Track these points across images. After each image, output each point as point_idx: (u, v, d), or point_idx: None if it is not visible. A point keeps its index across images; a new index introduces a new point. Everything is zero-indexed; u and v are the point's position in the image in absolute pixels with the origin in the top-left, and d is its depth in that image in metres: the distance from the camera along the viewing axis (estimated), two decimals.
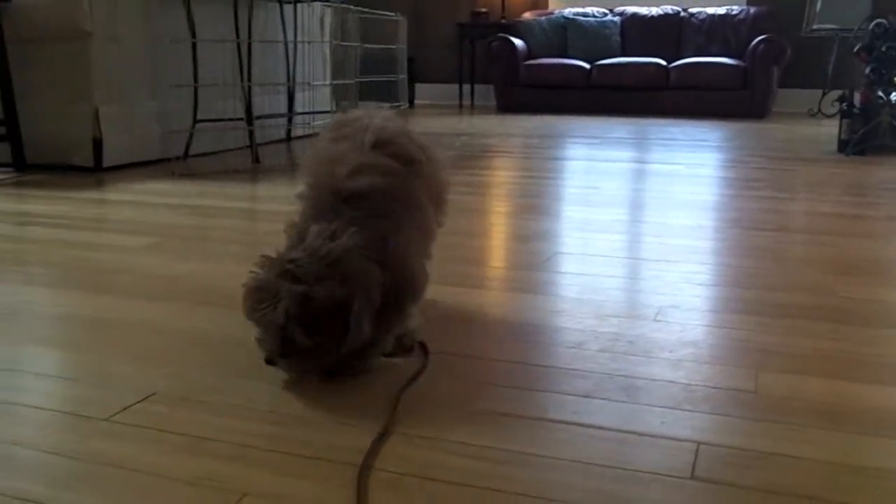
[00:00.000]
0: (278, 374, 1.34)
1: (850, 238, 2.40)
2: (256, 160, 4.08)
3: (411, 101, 8.79)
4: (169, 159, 4.11)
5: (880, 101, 4.52)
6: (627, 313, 1.68)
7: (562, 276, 1.98)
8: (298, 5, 4.94)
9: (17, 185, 3.42)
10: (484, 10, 8.93)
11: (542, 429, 1.15)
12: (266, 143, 4.76)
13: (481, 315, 1.68)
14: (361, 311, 1.23)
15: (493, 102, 8.96)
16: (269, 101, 4.91)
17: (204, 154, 4.34)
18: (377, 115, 1.52)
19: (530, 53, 8.25)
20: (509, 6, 8.97)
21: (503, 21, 8.77)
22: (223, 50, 4.35)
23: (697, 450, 1.09)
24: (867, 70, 4.61)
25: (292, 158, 4.29)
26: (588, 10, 8.37)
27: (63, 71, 3.78)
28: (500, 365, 1.40)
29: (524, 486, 1.00)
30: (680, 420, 1.18)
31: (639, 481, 1.01)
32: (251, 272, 1.29)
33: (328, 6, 5.20)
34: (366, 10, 5.04)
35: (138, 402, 1.25)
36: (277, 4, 4.79)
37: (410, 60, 8.36)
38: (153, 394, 1.28)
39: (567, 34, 8.23)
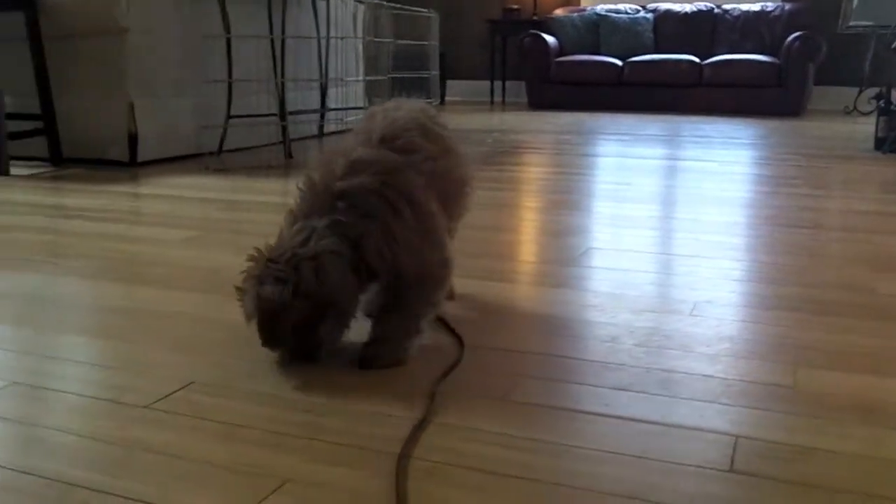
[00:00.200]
0: (314, 366, 1.35)
1: (888, 235, 2.38)
2: (289, 155, 4.10)
3: (442, 98, 8.80)
4: (203, 154, 4.14)
5: None
6: (663, 308, 1.67)
7: (595, 270, 1.98)
8: (331, 1, 4.95)
9: (54, 178, 3.46)
10: (516, 6, 8.92)
11: (580, 420, 1.15)
12: (298, 139, 4.78)
13: (515, 309, 1.68)
14: (318, 317, 1.31)
15: (524, 99, 8.94)
16: (301, 97, 4.93)
17: (237, 149, 4.36)
18: (403, 107, 1.52)
19: (562, 50, 8.23)
20: (541, 3, 8.95)
21: (535, 18, 8.75)
22: (257, 46, 4.37)
23: (736, 443, 1.09)
24: None
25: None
26: (620, 6, 8.34)
27: (99, 66, 3.82)
28: (536, 357, 1.40)
29: (562, 476, 1.00)
30: (718, 414, 1.18)
31: (678, 473, 1.01)
32: (246, 263, 1.36)
33: (361, 2, 5.21)
34: (399, 6, 5.05)
35: (177, 390, 1.26)
36: (310, 1, 4.81)
37: (442, 57, 8.35)
38: (192, 382, 1.29)
39: (599, 31, 8.20)
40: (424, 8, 5.45)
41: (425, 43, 5.34)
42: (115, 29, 3.72)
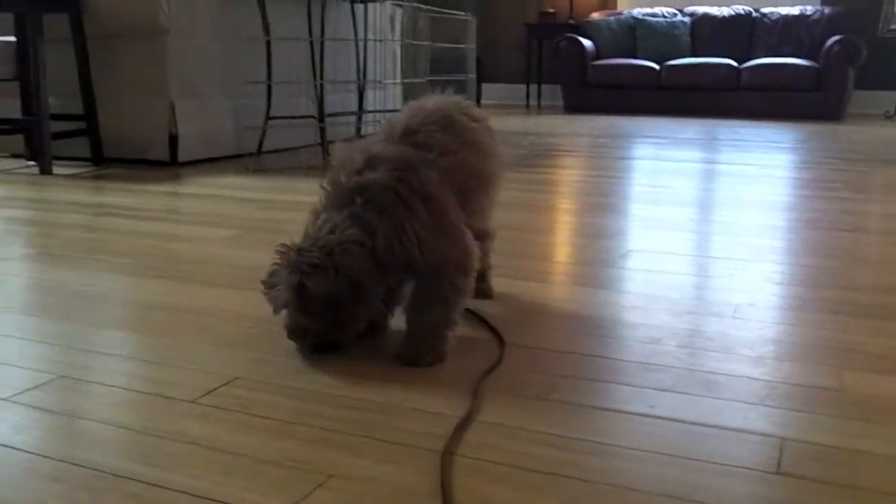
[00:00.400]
0: (355, 362, 1.36)
1: None
2: (327, 157, 4.12)
3: (478, 101, 8.80)
4: (242, 155, 4.17)
5: None
6: (704, 310, 1.67)
7: (635, 272, 1.97)
8: (369, 4, 4.97)
9: (96, 178, 3.50)
10: (552, 10, 8.91)
11: (623, 421, 1.15)
12: (336, 141, 4.80)
13: (555, 309, 1.68)
14: (352, 300, 1.35)
15: (560, 103, 8.93)
16: (339, 99, 4.95)
17: (276, 150, 4.39)
18: (434, 99, 1.53)
19: (598, 54, 8.21)
20: (577, 7, 8.94)
21: (571, 21, 8.74)
22: (297, 48, 4.40)
23: (782, 445, 1.08)
24: None
25: None
26: (657, 10, 8.30)
27: (140, 67, 3.86)
28: (577, 358, 1.40)
29: (607, 475, 1.00)
30: (763, 416, 1.17)
31: (725, 474, 1.00)
32: (273, 259, 1.40)
33: (399, 5, 5.23)
34: (437, 9, 5.06)
35: (222, 385, 1.27)
36: (349, 3, 4.83)
37: (478, 61, 8.36)
38: (236, 378, 1.30)
39: (636, 34, 8.17)
40: (462, 11, 5.46)
41: (462, 46, 5.34)
42: (157, 30, 3.76)
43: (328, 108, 4.59)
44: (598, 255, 2.14)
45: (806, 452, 1.06)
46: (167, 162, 3.88)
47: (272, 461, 1.03)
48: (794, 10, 7.81)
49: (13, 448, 1.06)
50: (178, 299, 1.73)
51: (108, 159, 3.96)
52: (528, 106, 8.95)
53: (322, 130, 4.12)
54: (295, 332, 1.41)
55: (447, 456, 1.03)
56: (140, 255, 2.11)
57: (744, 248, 2.23)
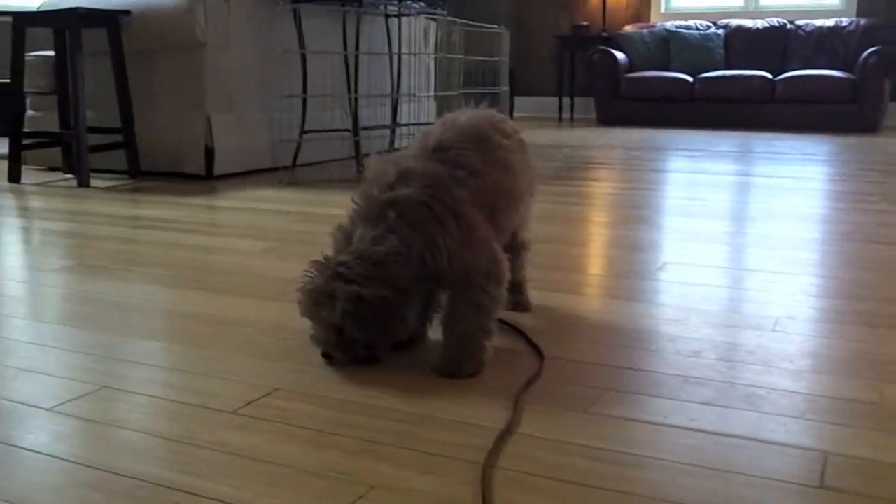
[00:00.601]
0: (394, 373, 1.36)
1: None
2: (361, 170, 4.14)
3: (511, 114, 8.80)
4: (277, 168, 4.20)
5: None
6: (744, 323, 1.66)
7: (671, 285, 1.96)
8: (404, 19, 5.00)
9: (133, 190, 3.54)
10: (585, 23, 8.90)
11: (665, 433, 1.15)
12: (370, 154, 4.82)
13: (593, 322, 1.67)
14: (403, 308, 1.37)
15: (593, 115, 8.91)
16: (373, 113, 4.98)
17: (310, 164, 4.42)
18: (468, 114, 1.54)
19: (632, 66, 8.19)
20: (610, 19, 8.93)
21: (604, 34, 8.72)
22: (331, 62, 4.43)
23: (825, 459, 1.07)
24: None
25: None
26: (691, 22, 8.27)
27: (177, 81, 3.91)
28: (616, 371, 1.39)
29: (648, 488, 0.99)
30: (805, 429, 1.16)
31: (768, 487, 0.99)
32: (305, 275, 1.42)
33: (433, 19, 5.25)
34: (470, 22, 5.08)
35: (262, 396, 1.28)
36: (383, 18, 4.86)
37: (511, 73, 8.37)
38: (276, 389, 1.31)
39: (669, 47, 8.14)
40: (495, 25, 5.47)
41: (496, 59, 5.35)
42: (194, 44, 3.80)
43: (362, 122, 4.61)
44: (633, 268, 2.13)
45: (848, 466, 1.05)
46: (203, 175, 3.91)
47: (314, 472, 1.03)
48: (829, 22, 7.75)
49: (55, 457, 1.07)
50: (215, 310, 1.74)
51: (144, 172, 4.00)
52: (560, 119, 8.94)
53: (356, 144, 4.14)
54: (339, 345, 1.40)
55: (488, 468, 1.03)
56: (177, 267, 2.13)
57: (780, 261, 2.21)
